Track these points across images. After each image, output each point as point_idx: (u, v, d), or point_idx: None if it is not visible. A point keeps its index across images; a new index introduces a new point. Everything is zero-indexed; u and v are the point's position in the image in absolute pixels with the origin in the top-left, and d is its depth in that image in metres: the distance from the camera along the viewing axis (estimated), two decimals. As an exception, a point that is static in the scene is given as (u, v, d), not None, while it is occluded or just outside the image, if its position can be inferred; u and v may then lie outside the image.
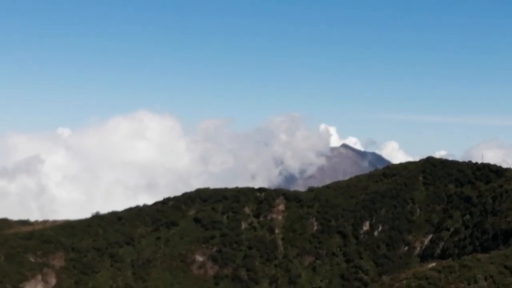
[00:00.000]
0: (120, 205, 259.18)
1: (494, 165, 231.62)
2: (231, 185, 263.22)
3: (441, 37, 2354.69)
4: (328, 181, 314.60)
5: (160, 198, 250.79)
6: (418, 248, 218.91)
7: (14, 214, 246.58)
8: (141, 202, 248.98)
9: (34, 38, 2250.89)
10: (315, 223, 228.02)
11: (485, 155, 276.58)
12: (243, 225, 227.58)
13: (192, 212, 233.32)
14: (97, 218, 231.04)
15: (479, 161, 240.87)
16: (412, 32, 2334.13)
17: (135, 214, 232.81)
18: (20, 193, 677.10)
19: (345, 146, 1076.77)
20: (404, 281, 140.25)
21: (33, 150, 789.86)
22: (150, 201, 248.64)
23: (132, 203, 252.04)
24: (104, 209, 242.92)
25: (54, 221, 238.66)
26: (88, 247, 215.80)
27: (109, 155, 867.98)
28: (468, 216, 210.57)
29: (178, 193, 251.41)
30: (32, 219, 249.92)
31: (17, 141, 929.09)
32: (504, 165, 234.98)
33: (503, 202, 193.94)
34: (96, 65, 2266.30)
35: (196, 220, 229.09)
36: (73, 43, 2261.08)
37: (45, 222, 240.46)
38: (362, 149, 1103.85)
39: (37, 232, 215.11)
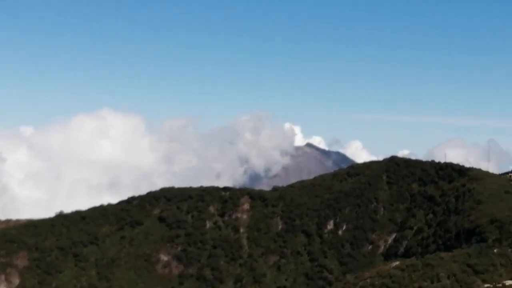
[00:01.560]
0: (83, 204, 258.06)
1: (457, 165, 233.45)
2: (196, 184, 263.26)
3: (404, 36, 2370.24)
4: (292, 180, 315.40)
5: (123, 197, 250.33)
6: (382, 247, 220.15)
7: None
8: (104, 201, 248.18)
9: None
10: (280, 222, 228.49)
11: (448, 155, 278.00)
12: (208, 224, 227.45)
13: (156, 211, 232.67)
14: (61, 217, 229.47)
15: (442, 161, 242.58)
16: (376, 31, 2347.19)
17: (99, 213, 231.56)
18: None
19: (309, 145, 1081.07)
20: (368, 280, 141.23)
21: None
22: (113, 200, 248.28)
23: (95, 202, 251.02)
24: (68, 208, 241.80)
25: (17, 221, 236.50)
26: (51, 246, 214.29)
27: (72, 153, 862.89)
28: (431, 215, 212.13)
29: (142, 192, 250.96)
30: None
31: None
32: (467, 165, 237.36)
33: (465, 201, 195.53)
34: (61, 63, 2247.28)
35: (161, 219, 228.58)
36: (38, 40, 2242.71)
37: (8, 221, 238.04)
38: (326, 148, 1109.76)
39: (0, 232, 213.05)
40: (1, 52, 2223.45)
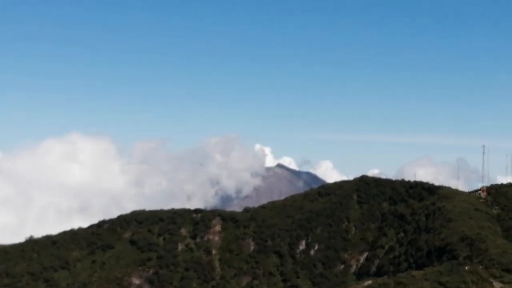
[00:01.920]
0: (53, 229, 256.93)
1: (427, 183, 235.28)
2: (167, 206, 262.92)
3: (371, 56, 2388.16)
4: (264, 201, 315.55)
5: (94, 221, 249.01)
6: (354, 266, 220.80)
7: None
8: (74, 225, 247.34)
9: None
10: (252, 243, 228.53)
11: (417, 173, 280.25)
12: (180, 247, 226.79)
13: (127, 235, 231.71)
14: (31, 242, 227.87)
15: (412, 179, 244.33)
16: (341, 51, 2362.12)
17: (70, 237, 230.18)
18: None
19: (280, 166, 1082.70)
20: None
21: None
22: (84, 224, 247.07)
23: (65, 227, 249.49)
24: (38, 233, 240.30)
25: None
26: (22, 272, 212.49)
27: (42, 178, 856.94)
28: (402, 234, 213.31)
29: (112, 215, 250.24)
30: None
31: None
32: (436, 183, 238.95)
33: (436, 219, 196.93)
34: (27, 87, 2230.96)
35: (132, 242, 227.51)
36: (4, 63, 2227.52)
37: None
38: (297, 168, 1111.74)
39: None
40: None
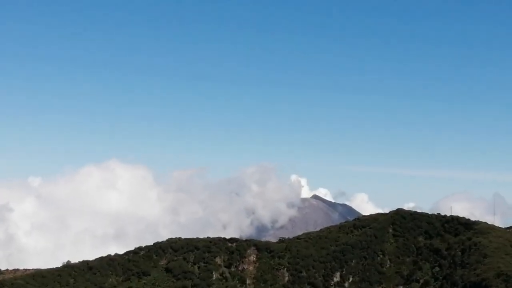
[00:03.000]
0: (88, 255, 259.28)
1: (463, 218, 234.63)
2: (202, 235, 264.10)
3: (405, 87, 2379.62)
4: (299, 232, 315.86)
5: (128, 247, 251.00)
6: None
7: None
8: (109, 252, 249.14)
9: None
10: (286, 274, 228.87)
11: (453, 208, 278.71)
12: (215, 275, 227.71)
13: (163, 262, 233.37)
14: (68, 268, 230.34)
15: (448, 214, 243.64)
16: (377, 81, 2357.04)
17: (106, 263, 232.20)
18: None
19: (315, 197, 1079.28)
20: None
21: (2, 198, 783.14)
22: (118, 251, 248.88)
23: (100, 253, 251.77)
24: (73, 258, 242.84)
25: (25, 270, 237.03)
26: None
27: (79, 204, 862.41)
28: (437, 268, 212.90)
29: (147, 243, 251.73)
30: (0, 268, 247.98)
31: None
32: (472, 218, 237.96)
33: (471, 254, 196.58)
34: (69, 112, 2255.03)
35: (168, 270, 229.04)
36: (46, 91, 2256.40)
37: (15, 271, 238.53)
38: (332, 200, 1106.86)
39: (7, 281, 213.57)
40: (7, 103, 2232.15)
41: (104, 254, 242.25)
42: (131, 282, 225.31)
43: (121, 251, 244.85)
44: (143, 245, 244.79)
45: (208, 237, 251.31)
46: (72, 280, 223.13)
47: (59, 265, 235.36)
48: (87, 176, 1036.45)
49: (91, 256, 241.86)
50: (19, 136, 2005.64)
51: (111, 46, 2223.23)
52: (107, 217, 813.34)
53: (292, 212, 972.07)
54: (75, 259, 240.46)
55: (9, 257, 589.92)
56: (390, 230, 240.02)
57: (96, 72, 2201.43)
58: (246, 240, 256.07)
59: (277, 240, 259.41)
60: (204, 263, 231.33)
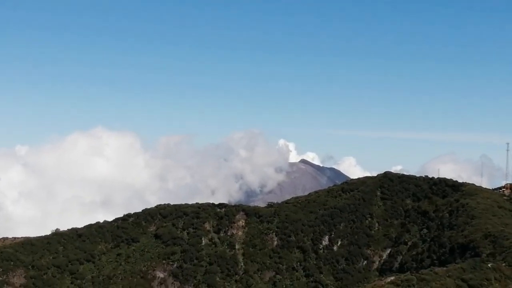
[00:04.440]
0: (76, 222, 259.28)
1: (450, 180, 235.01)
2: (190, 201, 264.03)
3: (391, 49, 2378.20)
4: (287, 196, 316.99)
5: (116, 214, 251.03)
6: (377, 262, 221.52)
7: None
8: (97, 219, 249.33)
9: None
10: (275, 238, 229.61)
11: (440, 170, 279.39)
12: (204, 241, 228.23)
13: (152, 228, 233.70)
14: (57, 235, 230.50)
15: (435, 176, 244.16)
16: (366, 48, 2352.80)
17: (95, 230, 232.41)
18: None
19: (303, 161, 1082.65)
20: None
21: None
22: (106, 218, 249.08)
23: (88, 220, 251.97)
24: (61, 226, 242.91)
25: (14, 239, 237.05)
26: (48, 264, 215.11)
27: (66, 172, 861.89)
28: (425, 230, 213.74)
29: (135, 209, 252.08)
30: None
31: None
32: (460, 180, 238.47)
33: (459, 216, 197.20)
34: (54, 80, 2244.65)
35: (157, 236, 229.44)
36: (32, 59, 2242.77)
37: (4, 239, 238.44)
38: (320, 164, 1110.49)
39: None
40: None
41: (93, 222, 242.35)
42: (120, 249, 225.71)
43: (109, 218, 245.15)
44: (132, 212, 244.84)
45: (196, 203, 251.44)
46: (61, 247, 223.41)
47: (48, 233, 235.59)
48: (74, 143, 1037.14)
49: (79, 224, 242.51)
50: (5, 105, 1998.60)
51: (98, 11, 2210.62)
52: (94, 185, 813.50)
53: (281, 177, 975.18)
54: (63, 227, 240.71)
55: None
56: (378, 193, 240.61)
57: (83, 38, 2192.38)
58: (234, 206, 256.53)
59: (265, 205, 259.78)
60: (193, 228, 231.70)
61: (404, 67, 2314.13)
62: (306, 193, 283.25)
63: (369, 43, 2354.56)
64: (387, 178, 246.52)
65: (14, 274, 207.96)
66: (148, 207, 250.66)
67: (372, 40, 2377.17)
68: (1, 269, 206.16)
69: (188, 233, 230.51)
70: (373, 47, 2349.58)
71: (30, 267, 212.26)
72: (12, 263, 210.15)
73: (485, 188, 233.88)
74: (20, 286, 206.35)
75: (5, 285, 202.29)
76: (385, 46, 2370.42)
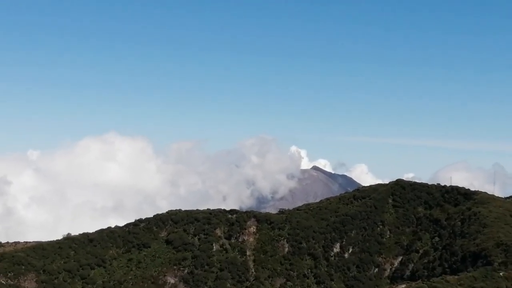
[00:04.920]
0: (88, 227, 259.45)
1: (463, 188, 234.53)
2: (201, 207, 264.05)
3: (404, 55, 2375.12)
4: (299, 203, 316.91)
5: (127, 219, 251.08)
6: (388, 270, 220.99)
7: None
8: (109, 224, 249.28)
9: (5, 63, 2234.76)
10: (286, 245, 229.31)
11: (453, 178, 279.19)
12: (215, 247, 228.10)
13: (163, 234, 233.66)
14: (68, 240, 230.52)
15: (447, 184, 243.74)
16: (379, 54, 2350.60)
17: (107, 235, 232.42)
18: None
19: (315, 168, 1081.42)
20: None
21: (1, 171, 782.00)
22: (117, 223, 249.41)
23: (100, 225, 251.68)
24: (72, 231, 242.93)
25: (25, 243, 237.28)
26: (59, 269, 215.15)
27: (78, 177, 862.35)
28: (437, 239, 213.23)
29: (146, 215, 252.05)
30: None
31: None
32: (472, 188, 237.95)
33: (471, 224, 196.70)
34: (67, 84, 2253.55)
35: (168, 241, 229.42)
36: (44, 63, 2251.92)
37: (16, 243, 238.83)
38: (332, 171, 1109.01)
39: (8, 254, 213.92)
40: (7, 76, 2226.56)
41: (104, 226, 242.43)
42: (131, 254, 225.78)
43: (120, 223, 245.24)
44: (143, 217, 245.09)
45: (208, 209, 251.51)
46: (72, 252, 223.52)
47: (59, 237, 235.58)
48: (86, 148, 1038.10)
49: (90, 229, 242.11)
50: (18, 110, 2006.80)
51: (108, 14, 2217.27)
52: (106, 190, 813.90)
53: (292, 184, 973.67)
54: (74, 232, 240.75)
55: (8, 230, 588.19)
56: (390, 201, 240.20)
57: (95, 43, 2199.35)
58: (246, 212, 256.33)
59: (277, 212, 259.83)
60: (204, 234, 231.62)
61: (416, 73, 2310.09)
62: (318, 200, 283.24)
63: (380, 49, 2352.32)
64: (399, 186, 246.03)
65: (26, 278, 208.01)
66: (159, 212, 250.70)
67: (384, 46, 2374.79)
68: (12, 273, 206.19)
69: (199, 239, 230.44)
70: (385, 53, 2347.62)
71: (41, 271, 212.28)
72: (23, 267, 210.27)
73: (498, 196, 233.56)
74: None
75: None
76: (397, 52, 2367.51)
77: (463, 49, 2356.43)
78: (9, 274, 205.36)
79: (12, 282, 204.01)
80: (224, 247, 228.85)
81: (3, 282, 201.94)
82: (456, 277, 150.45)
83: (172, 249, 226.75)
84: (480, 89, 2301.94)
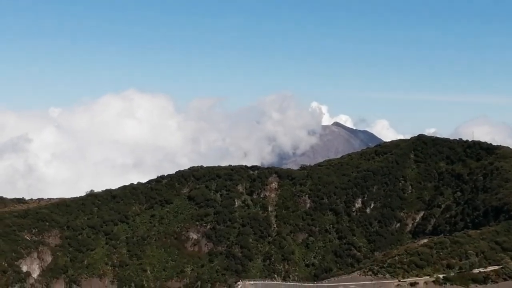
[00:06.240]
0: (108, 184, 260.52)
1: (485, 143, 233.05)
2: (222, 163, 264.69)
3: (427, 18, 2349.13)
4: (320, 159, 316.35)
5: (148, 176, 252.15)
6: (410, 225, 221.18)
7: (2, 193, 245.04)
8: (129, 181, 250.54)
9: (27, 19, 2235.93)
10: (308, 201, 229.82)
11: (474, 133, 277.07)
12: (237, 203, 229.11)
13: (185, 190, 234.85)
14: (91, 196, 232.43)
15: (469, 139, 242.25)
16: (399, 11, 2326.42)
17: (129, 192, 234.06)
18: (8, 172, 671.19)
19: (336, 124, 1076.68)
20: (396, 257, 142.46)
21: (23, 129, 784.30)
22: (138, 179, 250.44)
23: (120, 182, 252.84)
24: (92, 188, 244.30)
25: (49, 200, 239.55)
26: (83, 225, 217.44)
27: (98, 134, 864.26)
28: (459, 193, 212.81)
29: (166, 171, 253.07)
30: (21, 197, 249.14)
31: (6, 119, 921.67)
32: (493, 143, 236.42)
33: (493, 179, 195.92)
34: (87, 44, 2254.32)
35: (190, 198, 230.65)
36: (65, 23, 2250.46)
37: (40, 200, 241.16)
38: (353, 127, 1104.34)
39: (32, 211, 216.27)
40: (30, 36, 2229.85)
41: (124, 183, 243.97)
42: (154, 210, 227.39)
43: (141, 180, 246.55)
44: (162, 174, 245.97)
45: (229, 165, 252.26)
46: (96, 208, 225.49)
47: (81, 194, 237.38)
48: (106, 106, 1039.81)
49: (111, 185, 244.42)
50: (39, 68, 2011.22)
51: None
52: (126, 147, 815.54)
53: (313, 139, 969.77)
54: (95, 188, 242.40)
55: (29, 187, 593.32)
56: (412, 156, 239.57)
57: (113, 5, 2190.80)
58: (267, 168, 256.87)
59: (298, 167, 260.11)
60: (226, 190, 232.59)
61: (435, 27, 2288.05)
62: (339, 156, 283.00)
63: (400, 5, 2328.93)
64: (421, 141, 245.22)
65: (50, 234, 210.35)
66: (180, 169, 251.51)
67: (405, 2, 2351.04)
68: (37, 229, 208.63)
69: (221, 195, 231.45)
70: (405, 9, 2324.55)
71: (65, 227, 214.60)
72: (47, 223, 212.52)
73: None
74: (55, 246, 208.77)
75: (40, 245, 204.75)
76: (416, 8, 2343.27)
77: (478, 11, 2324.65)
78: (34, 231, 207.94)
79: (36, 238, 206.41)
80: (246, 203, 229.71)
81: (27, 238, 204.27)
82: (478, 231, 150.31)
83: (195, 205, 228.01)
84: (503, 43, 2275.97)
